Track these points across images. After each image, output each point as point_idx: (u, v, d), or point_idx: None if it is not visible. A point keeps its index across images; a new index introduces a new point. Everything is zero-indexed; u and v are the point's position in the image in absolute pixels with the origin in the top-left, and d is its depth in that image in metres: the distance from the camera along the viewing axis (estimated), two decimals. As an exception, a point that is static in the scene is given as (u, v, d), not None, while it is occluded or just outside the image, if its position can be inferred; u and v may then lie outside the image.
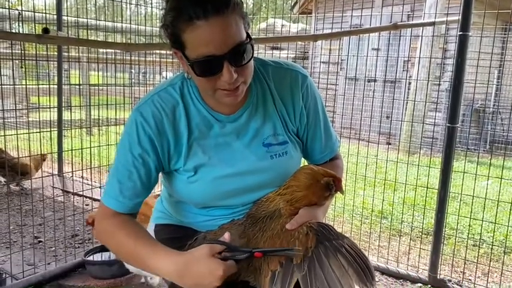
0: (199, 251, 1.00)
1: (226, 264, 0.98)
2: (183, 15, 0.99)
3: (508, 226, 2.77)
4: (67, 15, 4.28)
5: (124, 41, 3.87)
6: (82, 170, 4.23)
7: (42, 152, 3.82)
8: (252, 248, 1.03)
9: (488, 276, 2.72)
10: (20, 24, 3.75)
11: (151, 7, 4.16)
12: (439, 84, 6.88)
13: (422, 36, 3.83)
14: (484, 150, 6.49)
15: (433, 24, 3.30)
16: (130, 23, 4.01)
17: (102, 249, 2.64)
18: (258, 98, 1.23)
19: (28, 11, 4.22)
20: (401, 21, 3.27)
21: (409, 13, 7.27)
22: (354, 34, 4.11)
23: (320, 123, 1.32)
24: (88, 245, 2.98)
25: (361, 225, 3.42)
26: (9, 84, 4.79)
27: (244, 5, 1.10)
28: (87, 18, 3.49)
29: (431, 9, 6.57)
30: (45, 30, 2.27)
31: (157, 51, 3.51)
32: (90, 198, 3.86)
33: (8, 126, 4.57)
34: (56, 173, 4.36)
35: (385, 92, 5.75)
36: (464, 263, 2.82)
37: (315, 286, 0.94)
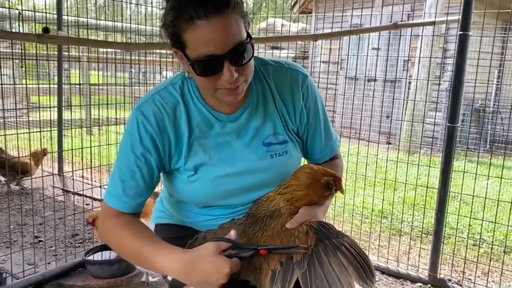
0: (206, 249, 0.99)
1: (233, 262, 0.98)
2: (184, 15, 0.99)
3: (508, 226, 2.77)
4: (67, 15, 4.28)
5: (124, 41, 3.87)
6: (82, 169, 4.23)
7: (42, 148, 3.84)
8: (258, 246, 1.03)
9: (488, 276, 2.72)
10: (20, 24, 3.74)
11: (152, 6, 4.16)
12: (439, 84, 6.88)
13: (422, 35, 3.83)
14: (484, 150, 6.49)
15: (433, 23, 3.31)
16: (130, 23, 4.01)
17: (103, 248, 2.65)
18: (258, 97, 1.23)
19: (28, 10, 4.22)
20: (402, 21, 3.27)
21: (409, 13, 7.27)
22: (354, 34, 4.11)
23: (320, 123, 1.32)
24: (88, 245, 2.99)
25: (361, 224, 3.42)
26: (10, 84, 4.79)
27: (245, 5, 1.10)
28: (87, 18, 3.49)
29: (431, 8, 6.56)
30: (46, 30, 2.27)
31: (158, 51, 3.51)
32: (90, 197, 3.86)
33: (8, 125, 4.58)
34: (56, 172, 4.36)
35: (385, 91, 5.75)
36: (464, 263, 2.82)
37: (314, 284, 0.94)
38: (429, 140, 5.77)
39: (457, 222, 3.05)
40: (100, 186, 3.67)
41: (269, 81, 1.25)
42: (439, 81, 6.86)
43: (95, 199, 3.84)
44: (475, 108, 7.01)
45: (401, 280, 2.72)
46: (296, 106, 1.26)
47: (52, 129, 4.18)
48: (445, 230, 2.69)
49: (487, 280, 2.67)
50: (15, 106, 3.27)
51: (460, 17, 2.40)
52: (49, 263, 2.65)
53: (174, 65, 4.54)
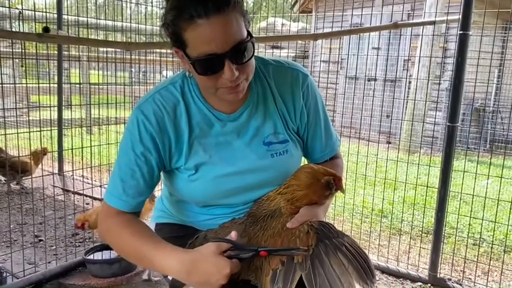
0: (206, 249, 1.00)
1: (233, 263, 0.98)
2: (184, 14, 0.99)
3: (508, 225, 2.77)
4: (67, 14, 4.28)
5: (124, 40, 3.87)
6: (82, 168, 4.24)
7: (43, 147, 3.83)
8: (258, 247, 1.03)
9: (488, 275, 2.72)
10: (21, 23, 3.74)
11: (152, 6, 4.16)
12: (439, 84, 6.88)
13: (422, 35, 3.83)
14: (484, 150, 6.49)
15: (433, 23, 3.31)
16: (130, 22, 4.01)
17: (103, 248, 2.65)
18: (259, 96, 1.23)
19: (28, 10, 4.22)
20: (402, 20, 3.27)
21: (410, 12, 7.27)
22: (354, 33, 4.10)
23: (320, 122, 1.32)
24: (89, 244, 2.99)
25: (361, 224, 3.43)
26: (10, 83, 4.79)
27: (245, 4, 1.10)
28: (87, 17, 3.48)
29: (431, 8, 6.56)
30: (46, 29, 2.27)
31: (158, 50, 3.51)
32: (90, 197, 3.86)
33: (9, 125, 4.57)
34: (57, 172, 4.36)
35: (386, 91, 5.75)
36: (464, 262, 2.82)
37: (318, 284, 0.94)
38: (429, 140, 5.77)
39: (457, 222, 3.05)
40: (100, 186, 3.67)
41: (269, 81, 1.25)
42: (439, 80, 6.86)
43: (95, 198, 3.84)
44: (475, 107, 7.01)
45: (401, 279, 2.72)
46: (296, 105, 1.26)
47: (52, 128, 4.18)
48: (445, 230, 2.69)
49: (487, 279, 2.67)
50: (15, 105, 3.28)
51: (460, 16, 2.40)
52: (49, 262, 2.65)
53: (174, 64, 4.54)
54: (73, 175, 4.09)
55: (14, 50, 4.85)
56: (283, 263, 1.00)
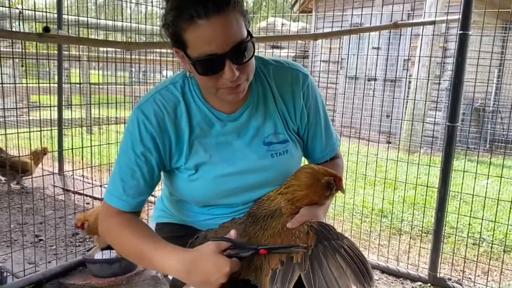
0: (206, 248, 1.00)
1: (233, 262, 0.98)
2: (184, 15, 0.99)
3: (507, 225, 2.77)
4: (67, 14, 4.28)
5: (124, 40, 3.87)
6: (83, 168, 4.24)
7: (43, 147, 3.83)
8: (258, 245, 1.03)
9: (488, 275, 2.72)
10: (21, 23, 3.75)
11: (152, 6, 4.16)
12: (439, 83, 6.88)
13: (422, 35, 3.84)
14: (484, 149, 6.50)
15: (433, 23, 3.31)
16: (130, 22, 4.02)
17: (103, 247, 2.65)
18: (259, 96, 1.23)
19: (28, 9, 4.22)
20: (402, 20, 3.27)
21: (410, 12, 7.27)
22: (354, 33, 4.10)
23: (321, 122, 1.32)
24: (89, 244, 2.99)
25: (361, 224, 3.43)
26: (10, 83, 4.80)
27: (244, 4, 1.10)
28: (87, 17, 3.48)
29: (431, 8, 6.56)
30: (46, 29, 2.27)
31: (158, 50, 3.51)
32: (90, 196, 3.86)
33: (9, 124, 4.58)
34: (57, 171, 4.37)
35: (385, 91, 5.76)
36: (464, 262, 2.83)
37: (316, 284, 0.94)
38: (429, 139, 5.78)
39: (457, 222, 3.05)
40: (100, 186, 3.67)
41: (270, 81, 1.25)
42: (439, 80, 6.86)
43: (95, 198, 3.84)
44: (475, 107, 7.01)
45: (401, 279, 2.72)
46: (296, 105, 1.26)
47: (52, 128, 4.18)
48: (445, 229, 2.69)
49: (487, 279, 2.67)
50: (16, 105, 3.27)
51: (460, 16, 2.40)
52: (49, 262, 2.66)
53: (175, 64, 4.55)
54: (73, 175, 4.09)
55: (14, 50, 4.86)
56: (283, 263, 1.00)
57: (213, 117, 1.20)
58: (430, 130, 6.41)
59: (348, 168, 3.20)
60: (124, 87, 3.77)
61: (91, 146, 3.36)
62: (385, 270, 2.80)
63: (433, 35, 5.76)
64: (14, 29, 4.08)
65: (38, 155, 4.02)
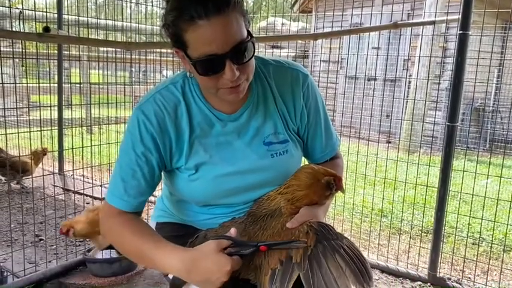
0: (207, 247, 1.00)
1: (234, 260, 0.99)
2: (185, 15, 0.99)
3: (507, 224, 2.78)
4: (67, 14, 4.29)
5: (124, 40, 3.88)
6: (83, 168, 4.24)
7: (43, 147, 3.84)
8: (258, 242, 1.03)
9: (487, 275, 2.72)
10: (21, 23, 3.75)
11: (152, 5, 4.16)
12: (439, 83, 6.88)
13: (422, 35, 3.84)
14: (483, 149, 6.50)
15: (433, 23, 3.31)
16: (130, 22, 4.02)
17: (107, 247, 2.65)
18: (259, 96, 1.24)
19: (29, 9, 4.22)
20: (402, 20, 3.27)
21: (409, 12, 7.27)
22: (354, 33, 4.11)
23: (321, 122, 1.32)
24: (89, 243, 2.99)
25: (361, 223, 3.43)
26: (10, 83, 4.80)
27: (244, 4, 1.10)
28: (87, 17, 3.48)
29: (431, 8, 6.57)
30: (46, 29, 2.27)
31: (158, 50, 3.51)
32: (90, 196, 3.87)
33: (9, 124, 4.58)
34: (57, 171, 4.37)
35: (385, 90, 5.76)
36: (464, 261, 2.83)
37: (315, 284, 0.94)
38: (429, 139, 5.78)
39: (457, 221, 3.06)
40: (100, 185, 3.68)
41: (270, 81, 1.25)
42: (439, 80, 6.87)
43: (95, 198, 3.84)
44: (474, 107, 7.01)
45: (401, 279, 2.73)
46: (296, 105, 1.26)
47: (52, 128, 4.19)
48: (444, 229, 2.70)
49: (487, 279, 2.67)
50: (16, 105, 3.28)
51: (460, 16, 2.40)
52: (50, 262, 2.66)
53: (175, 64, 4.55)
54: (73, 175, 4.09)
55: (14, 50, 4.85)
56: (282, 262, 1.00)
57: (214, 117, 1.20)
58: (429, 130, 6.41)
59: (347, 168, 3.21)
60: (124, 87, 3.78)
61: (91, 146, 3.37)
62: (384, 270, 2.81)
63: (433, 35, 5.76)
64: (14, 29, 4.08)
65: (38, 155, 4.02)
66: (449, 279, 2.66)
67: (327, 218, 3.37)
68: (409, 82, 7.05)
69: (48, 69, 4.60)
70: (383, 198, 3.18)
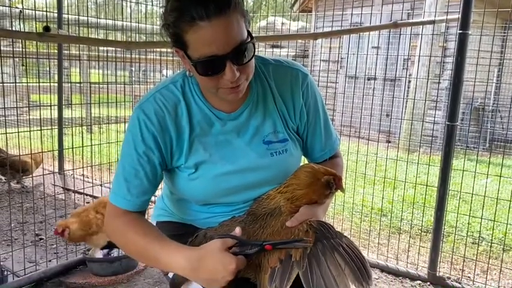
0: (212, 246, 1.00)
1: (239, 259, 0.99)
2: (185, 16, 0.99)
3: (507, 224, 2.78)
4: (67, 13, 4.29)
5: (124, 39, 3.88)
6: (83, 167, 4.25)
7: (43, 150, 3.84)
8: (263, 241, 1.03)
9: (487, 274, 2.73)
10: (21, 22, 3.75)
11: (152, 5, 4.17)
12: (439, 83, 6.89)
13: (422, 34, 3.85)
14: (483, 149, 6.51)
15: (433, 22, 3.32)
16: (130, 21, 4.03)
17: (103, 246, 2.65)
18: (259, 95, 1.24)
19: (29, 9, 4.23)
20: (401, 20, 3.28)
21: (409, 11, 7.26)
22: (354, 32, 4.11)
23: (320, 122, 1.33)
24: (89, 243, 3.00)
25: (360, 222, 3.44)
26: (10, 82, 4.80)
27: (244, 3, 1.10)
28: (87, 16, 3.49)
29: (431, 7, 6.56)
30: (46, 29, 2.27)
31: (158, 49, 3.52)
32: (91, 195, 3.87)
33: (9, 124, 4.59)
34: (57, 170, 4.37)
35: (385, 90, 5.76)
36: (464, 261, 2.83)
37: (314, 282, 0.94)
38: (429, 139, 5.78)
39: (456, 221, 3.06)
40: (101, 185, 3.68)
41: (269, 80, 1.25)
42: (439, 79, 6.87)
43: (95, 197, 3.84)
44: (474, 106, 7.01)
45: (400, 278, 2.73)
46: (296, 105, 1.27)
47: (53, 127, 4.19)
48: (444, 228, 2.70)
49: (486, 278, 2.68)
50: (16, 104, 3.29)
51: (460, 15, 2.41)
52: (50, 261, 2.66)
53: (175, 63, 4.55)
54: (73, 174, 4.10)
55: (14, 49, 4.86)
56: (281, 261, 1.01)
57: (213, 116, 1.20)
58: (429, 129, 6.41)
59: (347, 167, 3.21)
60: (124, 87, 3.78)
61: (91, 145, 3.38)
62: (384, 269, 2.81)
63: (433, 34, 5.76)
64: (14, 29, 4.08)
65: (37, 160, 4.03)
66: (449, 278, 2.67)
67: (327, 217, 3.37)
68: (409, 81, 7.06)
69: (48, 68, 4.61)
70: (383, 198, 3.18)
